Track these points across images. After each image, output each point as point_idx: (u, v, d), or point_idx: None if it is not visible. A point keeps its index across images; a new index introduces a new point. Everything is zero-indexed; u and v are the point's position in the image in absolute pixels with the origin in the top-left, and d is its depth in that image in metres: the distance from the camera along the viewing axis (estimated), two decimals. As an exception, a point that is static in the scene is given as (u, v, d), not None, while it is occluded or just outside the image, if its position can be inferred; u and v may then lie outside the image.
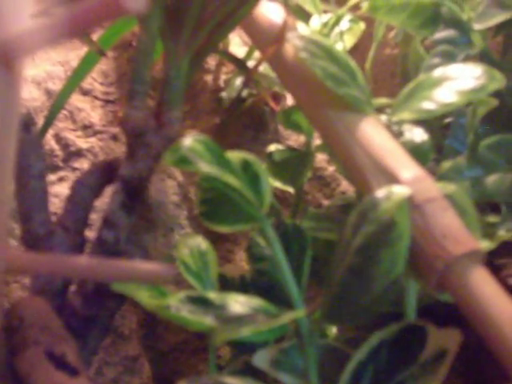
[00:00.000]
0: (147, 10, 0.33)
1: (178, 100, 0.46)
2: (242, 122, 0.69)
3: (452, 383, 0.51)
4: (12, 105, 0.33)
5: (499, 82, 0.47)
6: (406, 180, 0.43)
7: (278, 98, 0.67)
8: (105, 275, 0.39)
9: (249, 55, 0.66)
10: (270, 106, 0.66)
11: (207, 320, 0.42)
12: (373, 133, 0.46)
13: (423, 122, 0.52)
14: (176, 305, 0.43)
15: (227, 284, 0.54)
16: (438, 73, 0.49)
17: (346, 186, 0.66)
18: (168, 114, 0.46)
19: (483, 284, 0.40)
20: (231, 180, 0.40)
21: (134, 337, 0.65)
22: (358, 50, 0.71)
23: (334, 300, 0.43)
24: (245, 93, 0.66)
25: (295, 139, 0.69)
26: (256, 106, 0.68)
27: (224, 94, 0.68)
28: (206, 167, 0.39)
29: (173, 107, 0.46)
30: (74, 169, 0.67)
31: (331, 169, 0.67)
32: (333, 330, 0.57)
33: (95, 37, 0.67)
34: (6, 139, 0.34)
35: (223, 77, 0.70)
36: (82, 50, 0.68)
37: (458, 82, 0.47)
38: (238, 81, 0.67)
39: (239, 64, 0.63)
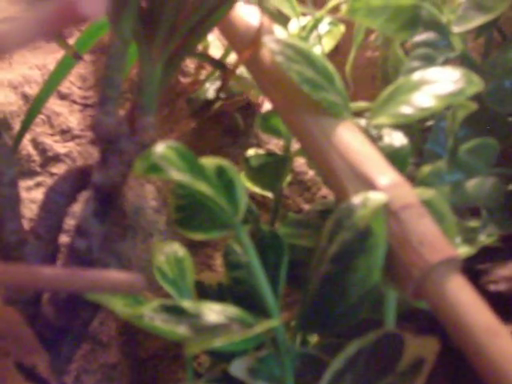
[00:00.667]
0: (104, 15, 0.32)
1: (151, 105, 0.45)
2: (221, 126, 0.69)
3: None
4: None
5: (477, 85, 0.46)
6: (382, 186, 0.42)
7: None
8: (75, 286, 0.38)
9: (224, 57, 0.65)
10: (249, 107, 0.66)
11: (181, 329, 0.41)
12: (350, 138, 0.45)
13: (403, 125, 0.52)
14: (150, 314, 0.42)
15: (205, 291, 0.53)
16: (416, 76, 0.48)
17: (326, 190, 0.66)
18: (142, 119, 0.45)
19: (460, 292, 0.39)
20: (203, 188, 0.39)
21: (113, 344, 0.64)
22: (338, 53, 0.70)
23: (309, 308, 0.43)
24: (213, 95, 0.66)
25: (275, 143, 0.68)
26: (228, 112, 0.68)
27: (193, 97, 0.68)
28: (177, 175, 0.38)
29: (147, 112, 0.45)
30: (52, 174, 0.67)
31: (312, 173, 0.67)
32: (314, 338, 0.57)
33: (72, 40, 0.67)
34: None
35: (202, 79, 0.70)
36: (60, 54, 0.67)
37: (436, 85, 0.47)
38: (208, 84, 0.67)
39: (218, 65, 0.62)
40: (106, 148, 0.45)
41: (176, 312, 0.43)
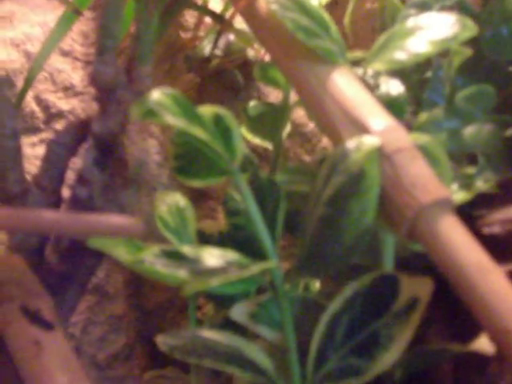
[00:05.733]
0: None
1: (148, 55, 0.46)
2: (222, 82, 0.69)
3: (433, 332, 0.52)
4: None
5: (471, 30, 0.47)
6: (376, 130, 0.43)
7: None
8: (77, 230, 0.39)
9: (224, 11, 0.65)
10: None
11: (181, 273, 0.42)
12: (344, 84, 0.46)
13: (400, 74, 0.52)
14: (150, 259, 0.43)
15: (206, 240, 0.54)
16: (410, 22, 0.48)
17: (326, 141, 0.66)
18: (138, 69, 0.46)
19: (452, 231, 0.40)
20: (198, 132, 0.40)
21: (119, 296, 0.65)
22: (337, 6, 0.70)
23: (306, 251, 0.43)
24: (218, 51, 0.66)
25: (276, 96, 0.68)
26: (227, 69, 0.68)
27: (190, 54, 0.68)
28: (172, 120, 0.39)
29: (143, 62, 0.46)
30: (56, 130, 0.67)
31: (312, 125, 0.67)
32: (316, 285, 0.58)
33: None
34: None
35: (202, 35, 0.70)
36: (61, 11, 0.67)
37: (430, 31, 0.47)
38: (206, 42, 0.67)
39: (217, 18, 0.63)
40: (104, 98, 0.46)
41: (176, 257, 0.43)
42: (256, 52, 0.68)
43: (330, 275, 0.48)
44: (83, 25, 0.71)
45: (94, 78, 0.45)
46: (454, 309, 0.51)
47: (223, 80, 0.69)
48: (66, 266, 0.48)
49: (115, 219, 0.39)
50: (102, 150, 0.46)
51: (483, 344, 0.44)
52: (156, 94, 0.40)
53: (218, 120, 0.44)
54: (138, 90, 0.46)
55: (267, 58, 0.68)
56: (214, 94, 0.70)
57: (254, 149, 0.66)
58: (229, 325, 0.48)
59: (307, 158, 0.66)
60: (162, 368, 0.59)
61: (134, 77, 0.46)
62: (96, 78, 0.45)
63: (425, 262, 0.48)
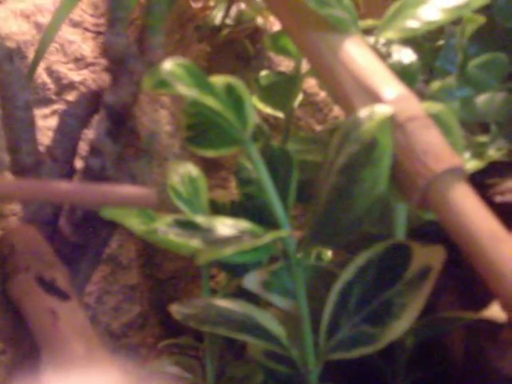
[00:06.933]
0: None
1: (159, 25, 0.46)
2: (233, 52, 0.69)
3: (445, 301, 0.52)
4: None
5: (484, -2, 0.46)
6: (388, 99, 0.43)
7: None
8: (89, 199, 0.40)
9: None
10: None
11: (194, 242, 0.42)
12: (356, 53, 0.46)
13: (413, 43, 0.52)
14: (164, 228, 0.43)
15: (218, 210, 0.54)
16: (423, -10, 0.48)
17: (338, 111, 0.66)
18: (150, 39, 0.46)
19: (464, 200, 0.40)
20: (211, 102, 0.40)
21: (132, 266, 0.66)
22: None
23: (318, 220, 0.43)
24: (228, 21, 0.66)
25: (287, 65, 0.68)
26: (238, 38, 0.68)
27: (201, 24, 0.68)
28: (184, 90, 0.39)
29: (155, 33, 0.46)
30: (67, 102, 0.67)
31: (323, 94, 0.67)
32: (328, 254, 0.58)
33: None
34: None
35: (212, 5, 0.70)
36: (71, -19, 0.67)
37: (442, -1, 0.47)
38: (216, 11, 0.67)
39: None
40: (116, 69, 0.46)
41: (189, 226, 0.44)
42: (266, 21, 0.68)
43: (342, 244, 0.48)
44: (93, -5, 0.71)
45: (105, 49, 0.45)
46: (466, 278, 0.52)
47: (234, 50, 0.69)
48: (80, 237, 0.49)
49: (128, 189, 0.39)
50: (114, 120, 0.46)
51: (495, 312, 0.44)
52: (168, 65, 0.40)
53: (229, 90, 0.44)
54: (150, 60, 0.46)
55: (277, 27, 0.68)
56: (224, 63, 0.69)
57: (265, 118, 0.66)
58: (241, 294, 0.49)
59: (318, 128, 0.66)
60: (176, 337, 0.60)
61: (145, 47, 0.46)
62: (108, 49, 0.45)
63: (436, 230, 0.49)
